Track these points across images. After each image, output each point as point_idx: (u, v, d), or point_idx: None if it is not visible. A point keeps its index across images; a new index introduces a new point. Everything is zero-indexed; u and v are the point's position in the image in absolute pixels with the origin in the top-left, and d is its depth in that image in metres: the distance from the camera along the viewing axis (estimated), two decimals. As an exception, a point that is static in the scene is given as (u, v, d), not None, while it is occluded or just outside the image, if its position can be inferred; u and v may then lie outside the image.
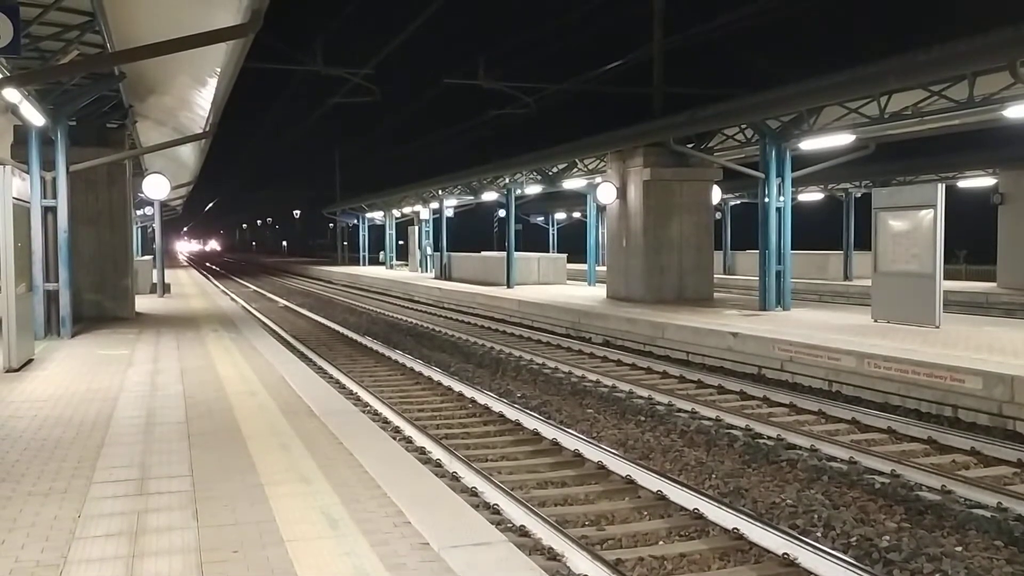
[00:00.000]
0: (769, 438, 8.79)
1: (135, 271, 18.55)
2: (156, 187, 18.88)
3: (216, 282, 37.84)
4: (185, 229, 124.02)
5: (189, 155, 25.73)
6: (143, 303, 19.96)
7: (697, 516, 6.29)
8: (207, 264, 75.08)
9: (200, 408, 7.82)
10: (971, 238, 29.55)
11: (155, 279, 24.68)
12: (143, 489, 5.26)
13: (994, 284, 26.14)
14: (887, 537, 5.94)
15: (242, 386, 9.04)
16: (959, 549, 5.75)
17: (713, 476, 7.53)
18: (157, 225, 25.92)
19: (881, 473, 7.41)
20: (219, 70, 12.61)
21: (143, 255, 32.18)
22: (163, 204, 26.45)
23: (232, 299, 26.60)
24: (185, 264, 64.15)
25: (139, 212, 30.18)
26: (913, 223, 13.77)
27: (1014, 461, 7.75)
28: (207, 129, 17.28)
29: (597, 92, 24.14)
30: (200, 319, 17.10)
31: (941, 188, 13.58)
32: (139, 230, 35.14)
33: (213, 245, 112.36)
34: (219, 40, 9.53)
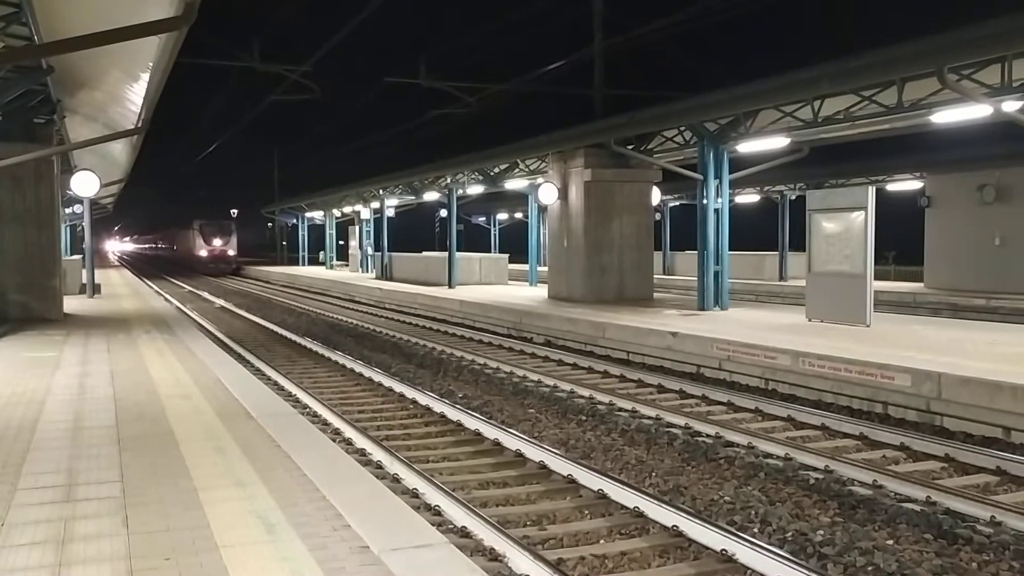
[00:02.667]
0: (708, 436, 8.91)
1: (63, 271, 17.98)
2: (85, 184, 18.36)
3: (149, 282, 36.91)
4: (117, 228, 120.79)
5: (120, 152, 25.05)
6: (72, 304, 19.36)
7: (638, 514, 6.33)
8: (140, 264, 73.11)
9: (131, 412, 7.60)
10: (900, 240, 30.46)
11: (84, 279, 23.97)
12: (70, 496, 5.08)
13: (921, 284, 26.99)
14: (821, 531, 6.06)
15: (175, 389, 8.82)
16: (890, 542, 5.89)
17: (653, 474, 7.59)
18: (87, 224, 25.16)
19: (815, 469, 7.57)
20: (151, 64, 12.28)
21: (72, 254, 31.20)
22: (93, 202, 25.70)
23: (166, 300, 25.98)
24: (117, 264, 62.39)
25: (68, 210, 29.26)
26: (845, 225, 14.12)
27: (941, 456, 7.99)
28: (139, 125, 16.83)
29: (539, 93, 24.22)
30: (132, 320, 16.65)
31: (871, 191, 13.94)
32: (68, 229, 34.05)
33: (147, 244, 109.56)
34: (151, 33, 9.26)
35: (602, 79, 21.04)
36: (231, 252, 55.44)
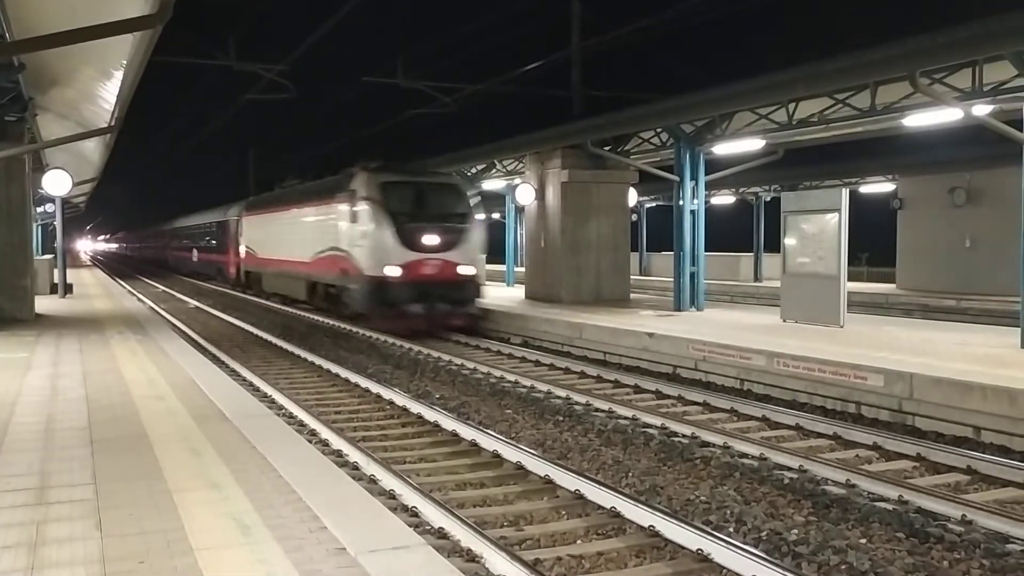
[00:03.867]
0: (684, 436, 8.96)
1: (35, 271, 17.74)
2: (57, 183, 18.11)
3: (122, 282, 36.51)
4: (89, 227, 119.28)
5: (93, 150, 24.76)
6: (43, 304, 19.10)
7: (614, 515, 6.35)
8: (113, 263, 72.30)
9: (104, 413, 7.52)
10: (873, 242, 30.80)
11: (56, 279, 23.67)
12: (42, 498, 5.02)
13: (894, 285, 27.30)
14: (796, 531, 6.12)
15: (149, 390, 8.73)
16: (863, 541, 5.96)
17: (630, 475, 7.63)
18: (59, 223, 24.85)
19: (790, 469, 7.63)
20: (125, 62, 12.15)
21: (43, 254, 30.79)
22: (65, 201, 25.38)
23: (139, 300, 25.71)
24: (89, 263, 61.62)
25: (39, 209, 28.86)
26: (820, 226, 14.26)
27: (913, 455, 8.09)
28: (113, 123, 16.64)
29: (517, 93, 24.21)
30: (104, 321, 16.46)
31: (845, 193, 14.09)
32: (39, 228, 33.58)
33: (120, 243, 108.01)
34: (125, 31, 9.17)
35: (580, 80, 21.09)
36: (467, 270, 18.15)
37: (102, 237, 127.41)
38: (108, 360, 10.90)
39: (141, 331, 14.50)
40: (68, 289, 23.57)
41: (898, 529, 6.16)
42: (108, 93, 14.87)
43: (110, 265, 65.46)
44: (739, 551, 5.39)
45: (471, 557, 5.49)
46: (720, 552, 5.45)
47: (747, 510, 6.55)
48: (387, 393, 11.20)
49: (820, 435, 9.03)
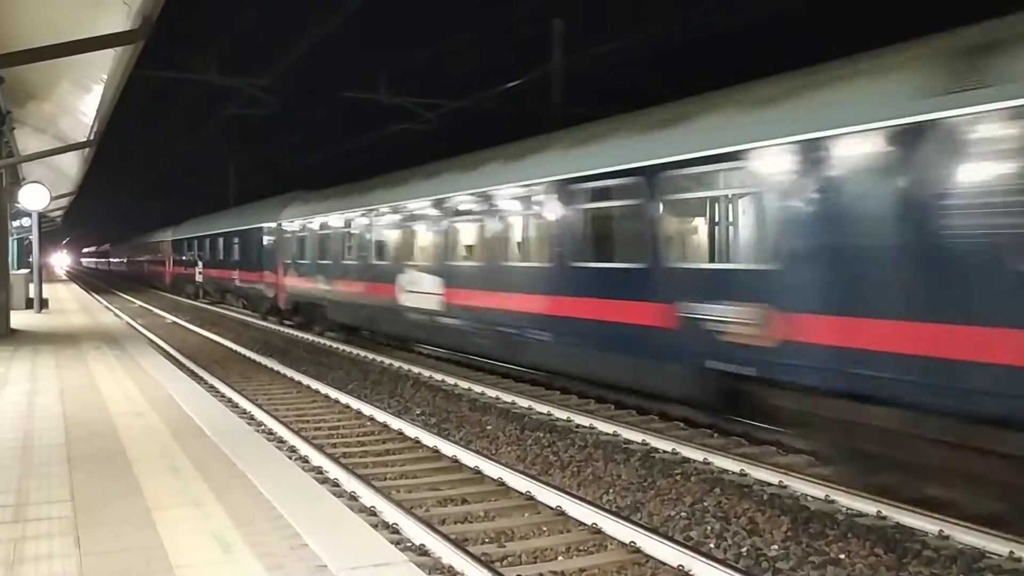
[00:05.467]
0: (665, 452, 8.98)
1: (10, 285, 17.55)
2: (34, 197, 17.97)
3: (99, 297, 36.18)
4: (65, 241, 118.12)
5: (71, 164, 24.57)
6: (19, 319, 18.89)
7: (595, 531, 6.36)
8: (90, 278, 71.58)
9: (82, 430, 7.45)
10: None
11: (32, 294, 23.42)
12: (20, 516, 4.97)
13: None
14: (775, 546, 6.15)
15: (127, 406, 8.65)
16: (843, 556, 6.01)
17: (611, 491, 7.64)
18: (35, 237, 24.63)
19: (770, 484, 7.67)
20: (105, 77, 12.11)
21: (19, 268, 30.46)
22: (42, 215, 25.16)
23: (116, 315, 25.48)
24: (65, 278, 60.97)
25: (15, 223, 28.58)
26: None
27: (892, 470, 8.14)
28: (92, 138, 16.56)
29: (498, 109, 24.30)
30: (81, 336, 16.31)
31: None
32: (15, 242, 33.23)
33: (96, 258, 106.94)
34: (106, 46, 9.16)
35: (561, 96, 21.22)
36: None
37: (88, 250, 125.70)
38: (85, 376, 10.79)
39: (118, 347, 14.37)
40: (44, 304, 23.32)
41: (876, 544, 6.20)
42: (87, 107, 14.80)
43: (86, 280, 64.82)
44: (720, 567, 5.41)
45: (453, 574, 5.49)
46: (701, 568, 5.46)
47: (727, 526, 6.56)
48: (368, 409, 11.16)
49: (799, 451, 9.08)
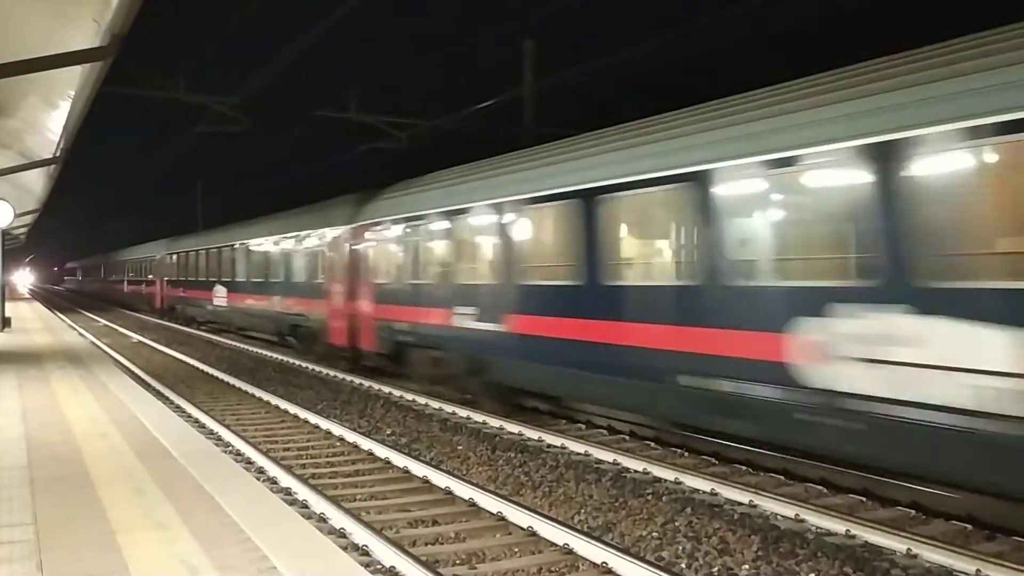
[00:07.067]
0: (636, 472, 8.98)
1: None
2: (-2, 214, 17.66)
3: (63, 316, 35.59)
4: (28, 259, 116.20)
5: (36, 181, 24.23)
6: (-20, 338, 18.52)
7: (567, 551, 6.34)
8: (53, 297, 70.43)
9: (44, 451, 7.29)
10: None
11: (-6, 312, 22.96)
12: (-22, 541, 4.84)
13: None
14: (746, 566, 6.17)
15: (92, 427, 8.50)
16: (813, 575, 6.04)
17: (583, 511, 7.62)
18: (-2, 254, 24.18)
19: (740, 504, 7.70)
20: (73, 94, 11.98)
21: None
22: (5, 232, 24.74)
23: (80, 334, 25.08)
24: (28, 296, 59.93)
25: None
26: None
27: (860, 490, 8.21)
28: (58, 154, 16.35)
29: (469, 130, 24.36)
30: (44, 356, 16.01)
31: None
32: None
33: (62, 277, 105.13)
34: (75, 63, 9.08)
35: (532, 118, 21.32)
36: None
37: (42, 271, 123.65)
38: (48, 396, 10.59)
39: (83, 366, 14.13)
40: (6, 323, 22.89)
41: (845, 563, 6.24)
42: (54, 124, 14.62)
43: (49, 299, 63.72)
44: (692, 587, 5.39)
45: (423, 596, 5.43)
46: (673, 588, 5.45)
47: (699, 546, 6.58)
48: (337, 429, 11.06)
49: (769, 470, 9.13)
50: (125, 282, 47.31)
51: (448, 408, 12.77)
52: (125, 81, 19.82)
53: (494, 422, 11.62)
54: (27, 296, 59.97)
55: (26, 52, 9.00)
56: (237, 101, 21.97)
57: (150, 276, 38.61)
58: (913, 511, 7.60)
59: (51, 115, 14.12)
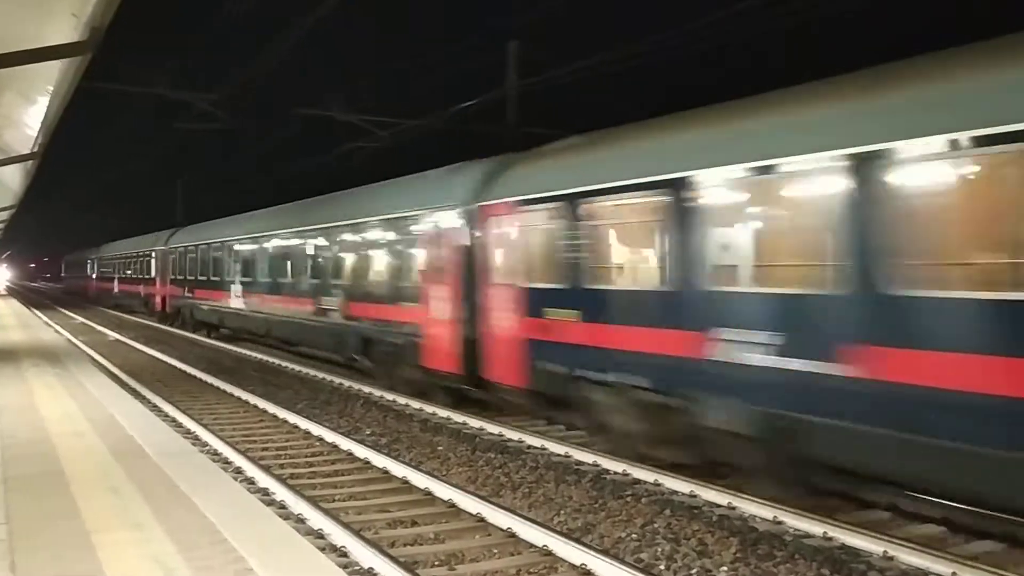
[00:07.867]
0: (616, 473, 8.99)
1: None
2: (-26, 209, 17.44)
3: (39, 313, 35.22)
4: (5, 255, 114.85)
5: (12, 177, 23.95)
6: (-46, 335, 18.29)
7: (547, 553, 6.33)
8: (30, 293, 69.63)
9: (18, 450, 7.21)
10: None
11: (-31, 309, 22.70)
12: (-51, 541, 4.77)
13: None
14: (724, 568, 6.18)
15: (67, 426, 8.41)
16: (790, 578, 6.06)
17: (562, 512, 7.62)
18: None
19: (719, 506, 7.72)
20: (51, 88, 11.84)
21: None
22: (-19, 228, 24.46)
23: (57, 332, 24.84)
24: (4, 293, 59.24)
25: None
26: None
27: (838, 492, 8.25)
28: (36, 150, 16.16)
29: (453, 129, 24.33)
30: (20, 353, 15.84)
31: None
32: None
33: (39, 273, 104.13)
34: (53, 57, 8.96)
35: (515, 118, 21.32)
36: None
37: (18, 268, 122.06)
38: (23, 394, 10.47)
39: (59, 364, 13.99)
40: (-19, 320, 22.62)
41: (823, 565, 6.28)
42: (32, 119, 14.45)
43: (25, 295, 62.99)
44: (670, 589, 5.39)
45: (402, 598, 5.40)
46: (652, 590, 5.45)
47: (677, 547, 6.59)
48: (316, 429, 11.01)
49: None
50: (116, 281, 41.85)
51: (428, 409, 12.73)
52: (106, 77, 19.68)
53: (474, 423, 11.60)
54: (3, 293, 59.28)
55: (3, 47, 8.88)
56: (218, 98, 21.85)
57: (149, 274, 34.01)
58: (890, 514, 7.67)
59: (29, 111, 13.96)
